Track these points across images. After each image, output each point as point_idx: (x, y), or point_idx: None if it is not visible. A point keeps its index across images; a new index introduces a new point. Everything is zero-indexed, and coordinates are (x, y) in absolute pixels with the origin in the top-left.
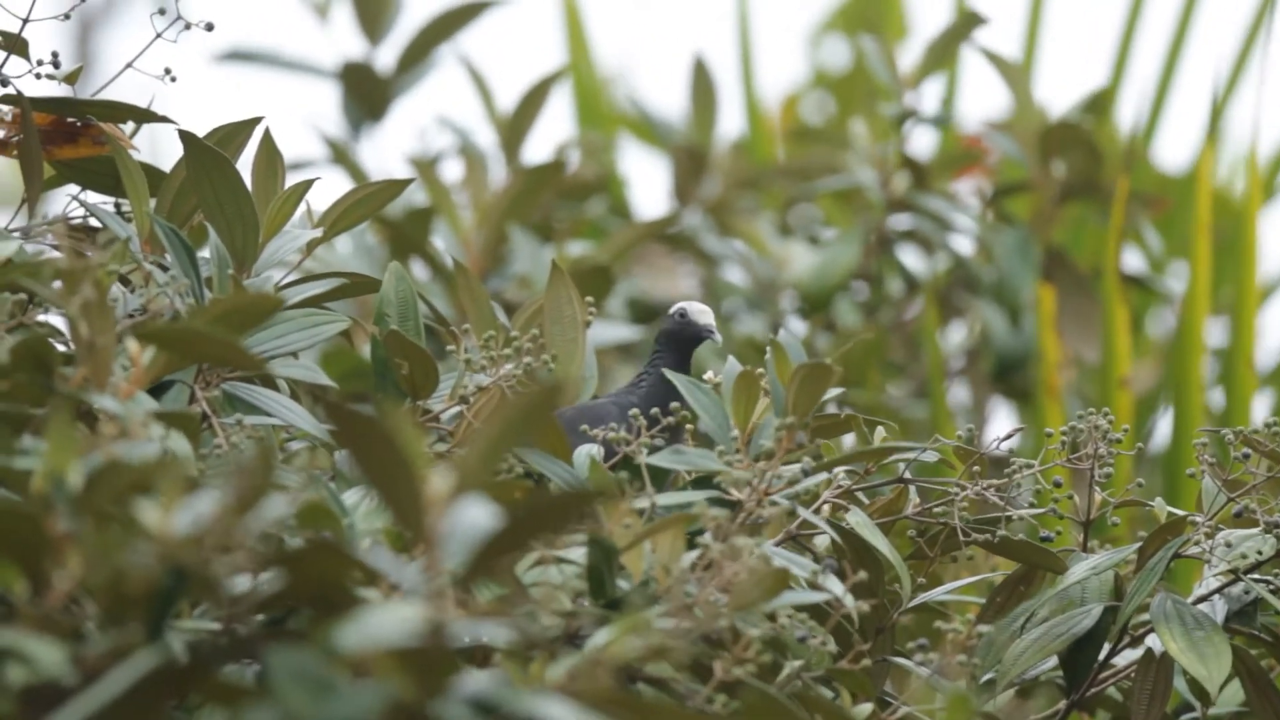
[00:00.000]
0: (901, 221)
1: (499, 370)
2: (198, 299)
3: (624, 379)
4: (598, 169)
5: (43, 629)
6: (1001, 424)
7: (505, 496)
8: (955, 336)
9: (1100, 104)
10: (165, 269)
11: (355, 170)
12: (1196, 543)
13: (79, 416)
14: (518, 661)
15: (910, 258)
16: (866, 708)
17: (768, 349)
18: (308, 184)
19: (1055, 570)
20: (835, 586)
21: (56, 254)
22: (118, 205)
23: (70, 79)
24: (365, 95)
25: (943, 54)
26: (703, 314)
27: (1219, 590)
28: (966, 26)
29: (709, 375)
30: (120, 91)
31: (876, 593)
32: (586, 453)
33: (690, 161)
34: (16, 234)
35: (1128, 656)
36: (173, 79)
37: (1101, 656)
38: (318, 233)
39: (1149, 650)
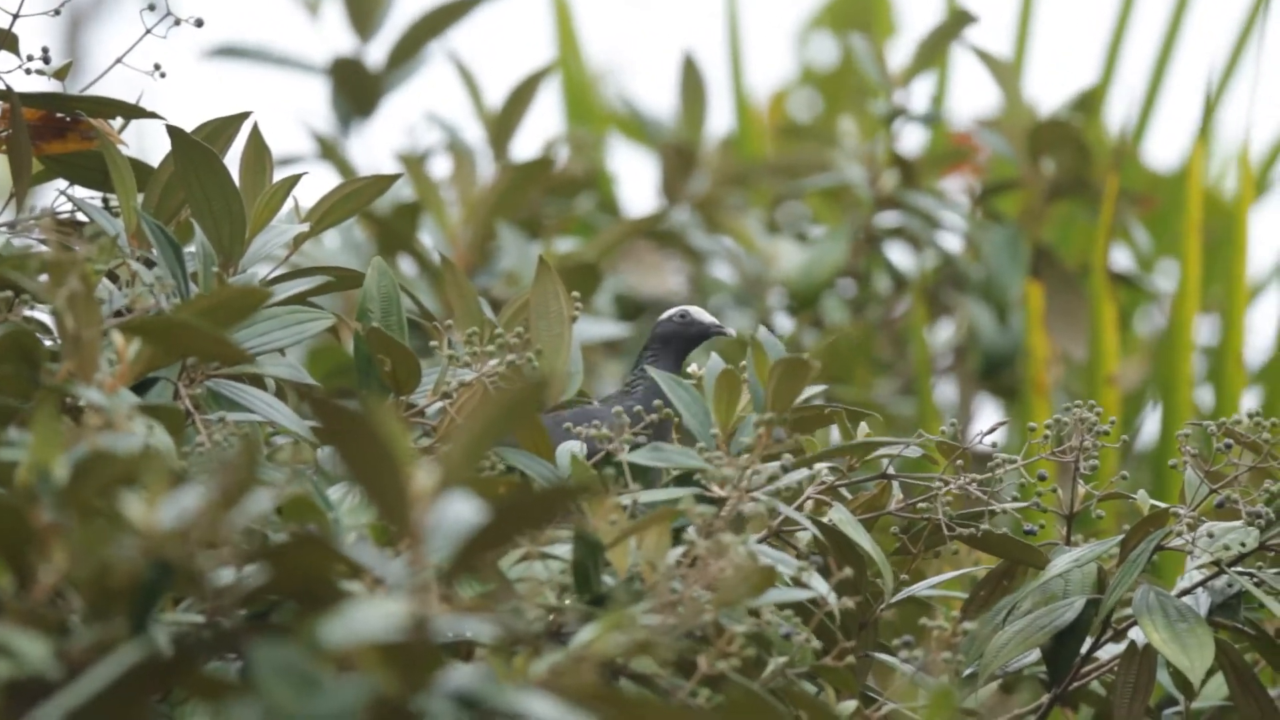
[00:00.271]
0: (890, 219)
1: (483, 366)
2: (183, 295)
3: (611, 375)
4: (586, 165)
5: (27, 623)
6: (988, 422)
7: (490, 492)
8: (943, 334)
9: (1090, 102)
10: (151, 265)
11: (344, 166)
12: (1179, 534)
13: (65, 410)
14: (502, 657)
15: (898, 255)
16: (850, 704)
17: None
18: (295, 179)
19: (1037, 565)
20: (820, 584)
21: (44, 248)
22: (105, 200)
23: (60, 74)
24: (355, 91)
25: (933, 52)
26: (704, 314)
27: (1202, 583)
28: (957, 24)
29: (692, 368)
30: (109, 87)
31: (859, 589)
32: (568, 450)
33: (679, 158)
34: (3, 228)
35: (1110, 650)
36: (162, 75)
37: (1084, 650)
38: (304, 228)
39: (1132, 643)
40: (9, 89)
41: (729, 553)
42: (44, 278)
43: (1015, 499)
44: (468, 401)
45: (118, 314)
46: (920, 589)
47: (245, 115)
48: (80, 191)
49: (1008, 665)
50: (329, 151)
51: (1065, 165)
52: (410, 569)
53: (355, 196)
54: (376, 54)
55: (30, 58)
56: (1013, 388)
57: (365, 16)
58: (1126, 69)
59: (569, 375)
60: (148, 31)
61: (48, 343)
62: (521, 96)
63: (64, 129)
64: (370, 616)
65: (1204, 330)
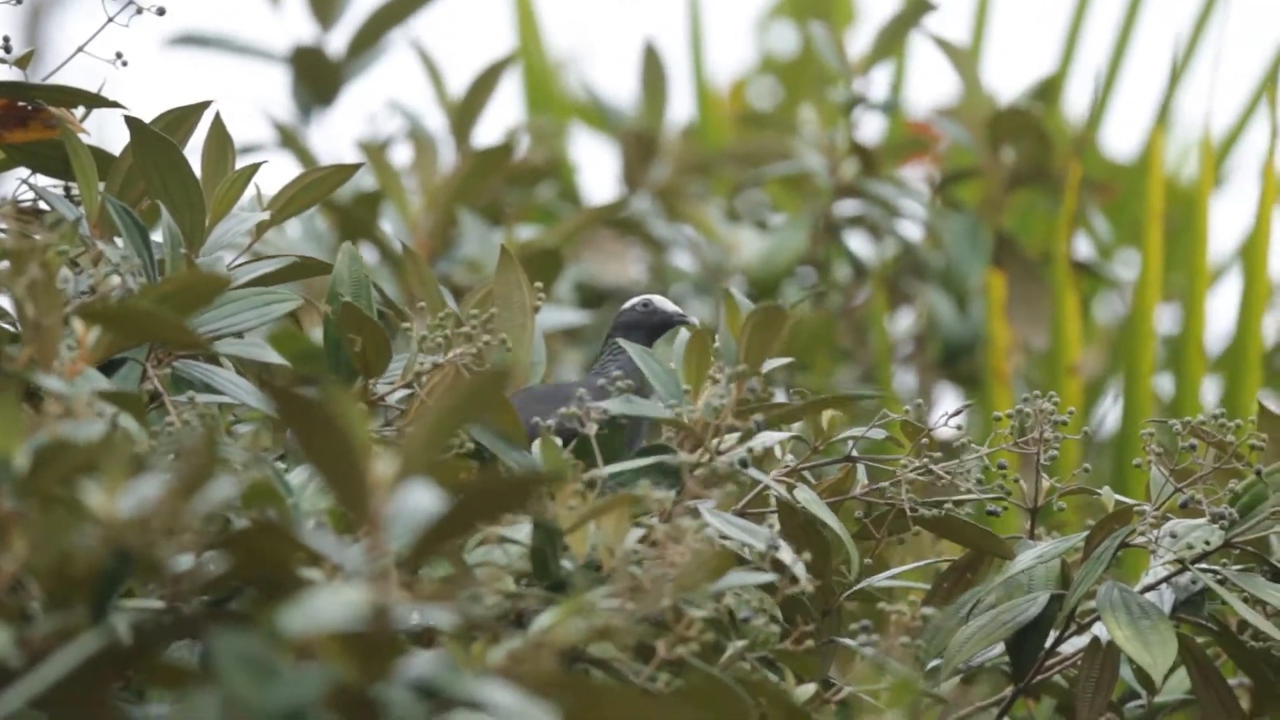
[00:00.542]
0: (850, 207)
1: (451, 352)
2: (150, 278)
3: (573, 363)
4: (547, 153)
5: None
6: (948, 409)
7: (451, 479)
8: (903, 322)
9: (1049, 90)
10: (117, 248)
11: (305, 155)
12: (1143, 533)
13: (25, 397)
14: (461, 644)
15: (858, 243)
16: (810, 688)
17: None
18: (255, 167)
19: (1003, 555)
20: (788, 556)
21: (4, 236)
22: (67, 189)
23: (21, 63)
24: (316, 80)
25: (892, 40)
26: (667, 302)
27: (1166, 579)
28: (916, 12)
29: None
30: (71, 76)
31: (823, 574)
32: (533, 430)
33: (639, 146)
34: None
35: (1074, 644)
36: (124, 63)
37: (1048, 644)
38: (265, 215)
39: (1095, 638)
40: None
41: (687, 537)
42: (4, 264)
43: (979, 482)
44: (437, 385)
45: (80, 295)
46: (882, 579)
47: (206, 104)
48: (42, 180)
49: (972, 659)
50: (290, 140)
51: (1025, 154)
52: (369, 557)
53: (317, 185)
54: (337, 42)
55: None
56: (973, 376)
57: (326, 5)
58: (1085, 57)
59: (532, 364)
60: (110, 20)
61: (8, 329)
62: (483, 85)
63: (26, 118)
64: (329, 605)
65: (1164, 318)
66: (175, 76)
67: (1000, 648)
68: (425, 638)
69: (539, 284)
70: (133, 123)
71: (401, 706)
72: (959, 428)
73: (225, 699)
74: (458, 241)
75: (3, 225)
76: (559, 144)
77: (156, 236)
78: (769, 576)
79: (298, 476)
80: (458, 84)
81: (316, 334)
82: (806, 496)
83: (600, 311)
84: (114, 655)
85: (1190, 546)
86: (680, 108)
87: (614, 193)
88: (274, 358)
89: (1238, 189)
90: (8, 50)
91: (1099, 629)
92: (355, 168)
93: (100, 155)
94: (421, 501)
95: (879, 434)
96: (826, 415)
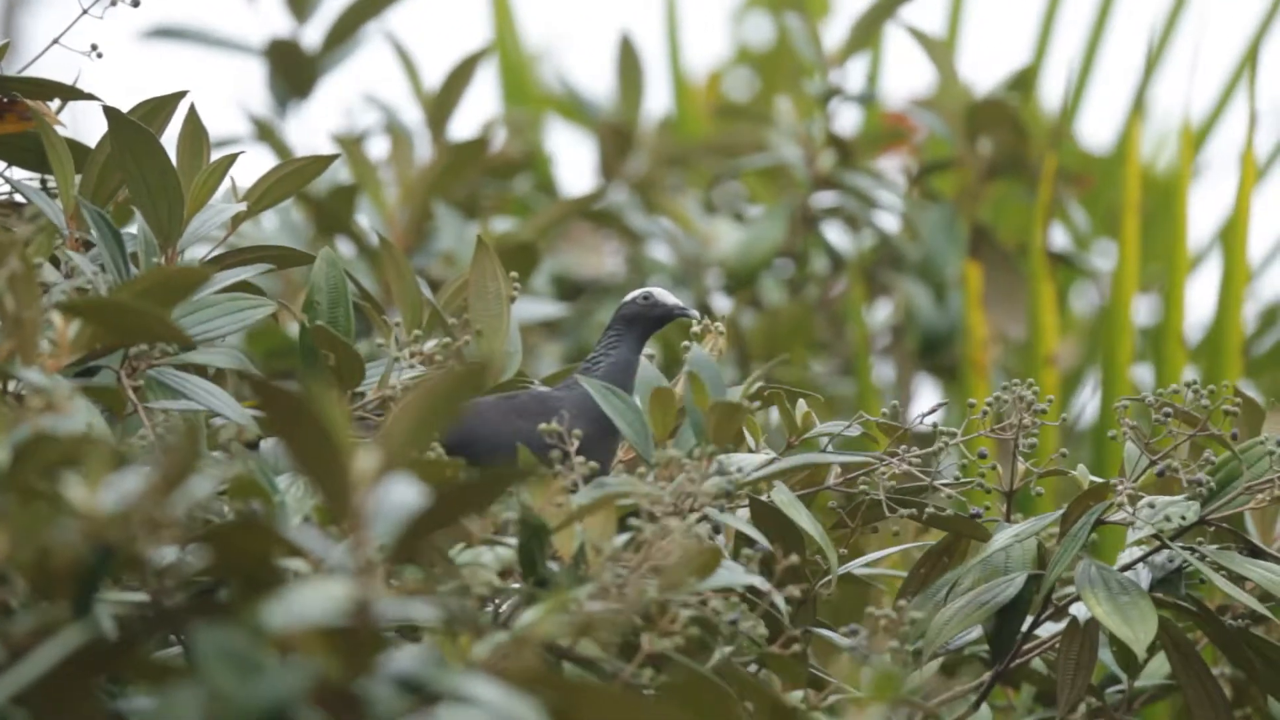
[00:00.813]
0: (826, 199)
1: (429, 360)
2: (123, 276)
3: (549, 355)
4: (523, 146)
5: None
6: (927, 401)
7: (433, 475)
8: (881, 313)
9: (1025, 81)
10: (90, 245)
11: (280, 147)
12: (1120, 506)
13: (4, 391)
14: (445, 639)
15: (835, 235)
16: (799, 695)
17: (687, 344)
18: (232, 158)
19: (979, 538)
20: (760, 582)
21: None
22: (43, 181)
23: None
24: (291, 72)
25: (868, 31)
26: (668, 295)
27: (1143, 558)
28: (892, 3)
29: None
30: (46, 68)
31: (800, 575)
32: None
33: (616, 139)
34: None
35: (1051, 627)
36: (99, 55)
37: (1025, 627)
38: (242, 207)
39: (1074, 619)
40: None
41: (674, 536)
42: None
43: (956, 479)
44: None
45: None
46: (857, 565)
47: (181, 95)
48: (18, 173)
49: (950, 643)
50: (266, 133)
51: (1002, 144)
52: (352, 552)
53: (293, 177)
54: (313, 35)
55: None
56: (951, 367)
57: None
58: (1061, 47)
59: (508, 355)
60: (84, 12)
61: None
62: (459, 77)
63: (1, 110)
64: (312, 600)
65: (1142, 309)
66: (150, 69)
67: (978, 631)
68: (409, 632)
69: (515, 275)
70: (110, 112)
71: (384, 701)
72: (935, 424)
73: (208, 694)
74: (434, 234)
75: None
76: (535, 136)
77: (131, 229)
78: (754, 579)
79: (284, 480)
80: (433, 77)
81: (294, 329)
82: (782, 497)
83: (577, 304)
84: (97, 650)
85: (1168, 519)
86: (656, 100)
87: (591, 185)
88: (249, 369)
89: (1213, 177)
90: None
91: (1077, 609)
92: (331, 159)
93: (76, 148)
94: (404, 496)
95: (856, 431)
96: (801, 410)
